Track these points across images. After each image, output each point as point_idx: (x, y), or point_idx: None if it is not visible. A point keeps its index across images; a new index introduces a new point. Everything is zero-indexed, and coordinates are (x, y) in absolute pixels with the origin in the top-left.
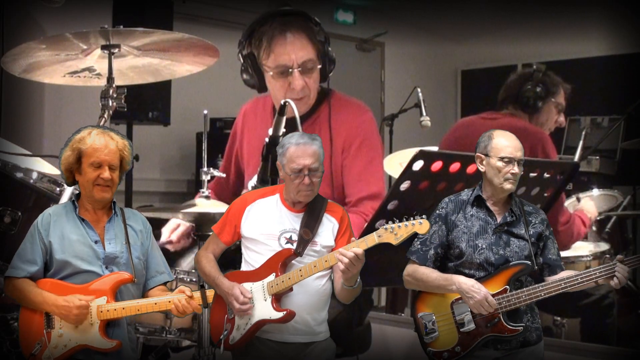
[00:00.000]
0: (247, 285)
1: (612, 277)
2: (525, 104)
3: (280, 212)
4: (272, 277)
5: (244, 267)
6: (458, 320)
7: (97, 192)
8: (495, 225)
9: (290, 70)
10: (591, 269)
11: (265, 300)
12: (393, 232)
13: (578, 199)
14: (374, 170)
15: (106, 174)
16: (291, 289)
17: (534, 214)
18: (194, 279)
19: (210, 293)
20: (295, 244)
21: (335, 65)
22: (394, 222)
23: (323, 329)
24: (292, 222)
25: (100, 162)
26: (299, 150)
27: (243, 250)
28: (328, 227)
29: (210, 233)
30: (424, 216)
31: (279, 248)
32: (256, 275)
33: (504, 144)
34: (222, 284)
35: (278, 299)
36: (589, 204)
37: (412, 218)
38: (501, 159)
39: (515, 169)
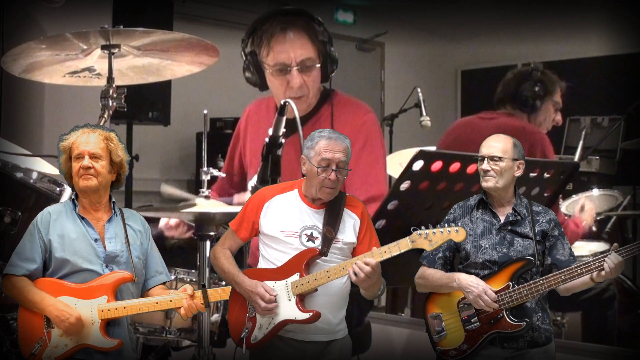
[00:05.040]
0: (269, 284)
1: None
2: (523, 104)
3: (300, 208)
4: (296, 276)
5: (263, 264)
6: (463, 318)
7: (81, 181)
8: (499, 225)
9: (288, 68)
10: (589, 260)
11: (290, 300)
12: (427, 239)
13: (582, 207)
14: (376, 171)
15: (85, 162)
16: (316, 290)
17: (542, 214)
18: (194, 279)
19: (212, 292)
20: (316, 241)
21: (337, 66)
22: (427, 228)
23: (343, 326)
24: (313, 219)
25: (80, 152)
26: (330, 144)
27: (261, 246)
28: (349, 223)
29: (212, 233)
30: (459, 223)
31: (300, 246)
32: (278, 273)
33: (482, 145)
34: (243, 282)
35: (302, 299)
36: (587, 213)
37: (446, 225)
38: (477, 159)
39: (484, 166)
